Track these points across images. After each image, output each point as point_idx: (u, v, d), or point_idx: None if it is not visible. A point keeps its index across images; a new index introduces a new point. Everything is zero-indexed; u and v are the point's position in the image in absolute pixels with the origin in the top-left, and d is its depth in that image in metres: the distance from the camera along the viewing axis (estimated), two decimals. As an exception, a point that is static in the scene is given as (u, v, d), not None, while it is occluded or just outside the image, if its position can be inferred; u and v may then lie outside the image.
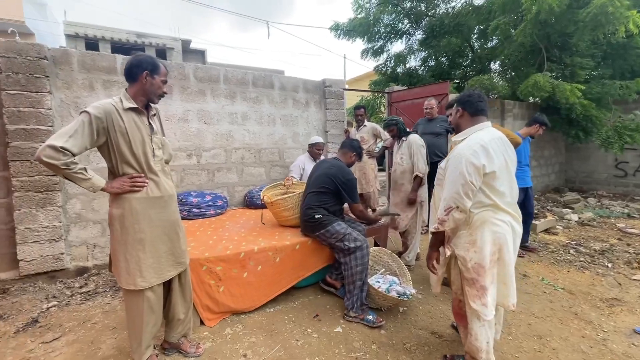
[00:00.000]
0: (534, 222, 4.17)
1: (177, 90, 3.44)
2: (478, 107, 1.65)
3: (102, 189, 1.59)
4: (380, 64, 8.93)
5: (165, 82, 1.73)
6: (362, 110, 4.25)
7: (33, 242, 2.81)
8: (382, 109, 8.70)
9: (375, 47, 8.74)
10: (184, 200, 3.28)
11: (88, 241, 3.09)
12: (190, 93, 3.53)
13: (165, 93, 1.77)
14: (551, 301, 2.61)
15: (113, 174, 1.67)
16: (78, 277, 3.00)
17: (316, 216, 2.44)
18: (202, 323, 2.21)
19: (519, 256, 3.57)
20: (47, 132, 2.78)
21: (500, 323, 1.77)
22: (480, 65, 8.16)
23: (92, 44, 12.71)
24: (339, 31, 8.42)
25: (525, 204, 3.63)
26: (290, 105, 4.22)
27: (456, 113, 1.73)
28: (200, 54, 15.96)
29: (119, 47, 12.89)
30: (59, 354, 1.96)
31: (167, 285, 1.82)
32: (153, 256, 1.68)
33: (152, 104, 1.75)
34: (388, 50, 8.85)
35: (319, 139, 3.66)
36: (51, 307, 2.52)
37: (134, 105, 1.63)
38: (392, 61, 8.84)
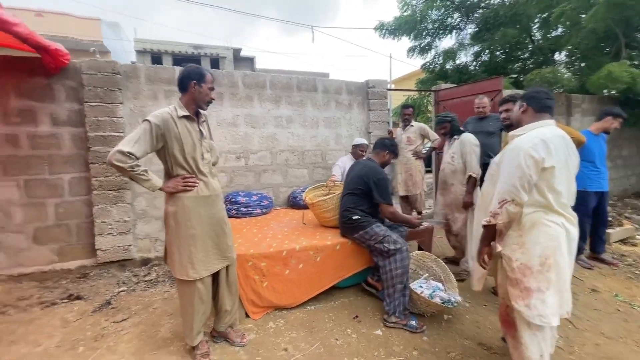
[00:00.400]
0: (608, 230, 3.69)
1: (227, 97, 3.68)
2: (544, 103, 1.57)
3: (160, 189, 1.79)
4: (428, 62, 8.60)
5: (212, 89, 1.87)
6: (410, 109, 4.08)
7: (108, 234, 3.21)
8: (430, 107, 8.37)
9: (423, 45, 8.43)
10: (233, 199, 3.49)
11: (151, 235, 3.44)
12: (239, 99, 3.75)
13: (213, 99, 1.92)
14: (626, 320, 2.30)
15: (168, 175, 1.86)
16: (142, 267, 3.36)
17: (354, 217, 2.44)
18: (247, 316, 2.35)
19: (586, 268, 3.19)
20: (120, 138, 3.16)
21: (555, 336, 1.62)
22: (541, 57, 7.45)
23: (156, 58, 14.10)
24: (384, 31, 8.28)
25: (599, 210, 3.24)
26: (333, 107, 4.27)
27: (519, 108, 1.66)
28: (250, 61, 16.83)
29: (179, 59, 14.13)
30: (127, 333, 2.22)
31: (216, 279, 1.97)
32: (202, 250, 1.83)
33: (201, 111, 1.91)
34: (436, 46, 8.49)
35: (362, 140, 3.66)
36: (121, 291, 2.86)
37: (186, 113, 1.80)
38: (440, 58, 8.45)
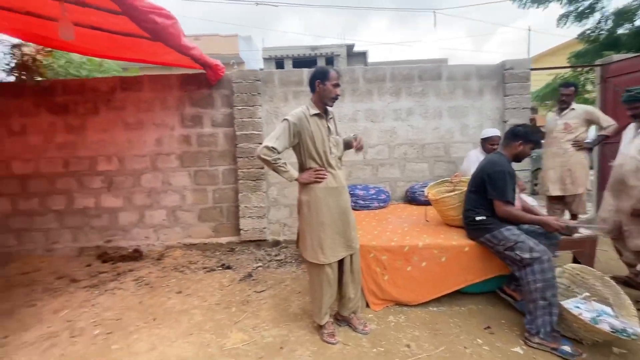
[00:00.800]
0: None
1: (348, 93, 3.81)
2: None
3: (295, 179, 2.01)
4: (589, 29, 6.83)
5: (336, 85, 1.96)
6: (572, 88, 3.26)
7: (248, 217, 3.80)
8: (591, 87, 6.68)
9: (581, 8, 6.73)
10: (351, 192, 3.62)
11: (280, 220, 3.91)
12: (359, 94, 3.83)
13: (338, 95, 2.00)
14: None
15: (301, 167, 2.06)
16: (273, 247, 3.85)
17: (477, 218, 2.17)
18: (367, 306, 2.41)
19: None
20: (259, 136, 3.68)
21: None
22: None
23: (279, 62, 15.76)
24: (524, -1, 7.00)
25: None
26: (459, 95, 3.89)
27: None
28: (362, 56, 16.97)
29: (298, 61, 15.42)
30: (265, 303, 2.60)
31: (341, 267, 2.08)
32: (330, 237, 1.96)
33: (329, 108, 2.04)
34: (602, 8, 6.67)
35: (492, 131, 3.16)
36: (259, 267, 3.36)
37: (316, 111, 1.96)
38: (608, 22, 6.60)
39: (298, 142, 1.99)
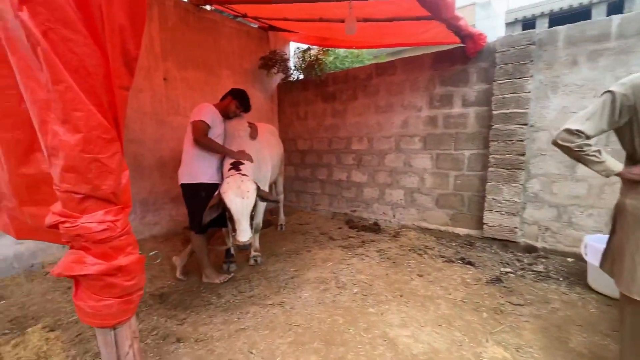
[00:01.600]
0: None
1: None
2: None
3: (617, 174, 1.41)
4: None
5: None
6: None
7: (495, 211, 3.27)
8: None
9: None
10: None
11: (540, 222, 3.11)
12: None
13: None
14: None
15: (632, 159, 1.42)
16: (526, 254, 3.14)
17: None
18: None
19: None
20: (522, 115, 2.99)
21: None
22: None
23: (528, 24, 12.76)
24: None
25: None
26: None
27: None
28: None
29: (556, 19, 11.90)
30: (527, 321, 2.10)
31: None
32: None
33: None
34: None
35: None
36: (508, 272, 2.82)
37: None
38: None
39: (628, 123, 1.35)
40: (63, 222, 0.74)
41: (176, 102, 3.95)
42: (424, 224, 3.87)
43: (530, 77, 2.96)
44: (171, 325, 2.16)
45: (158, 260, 2.63)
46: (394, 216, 4.15)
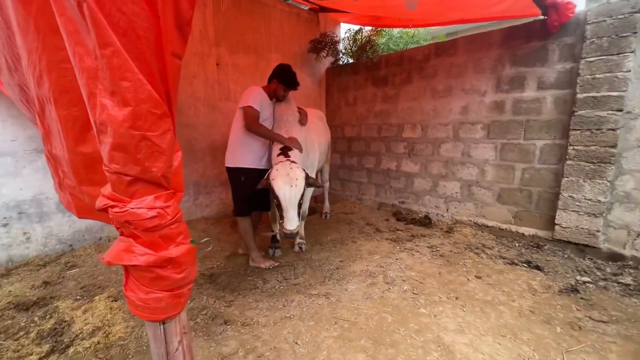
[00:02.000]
0: None
1: None
2: None
3: None
4: None
5: None
6: None
7: (572, 210, 2.84)
8: None
9: None
10: None
11: (631, 226, 2.64)
12: None
13: None
14: None
15: None
16: (609, 262, 2.70)
17: None
18: None
19: None
20: (617, 99, 2.51)
21: None
22: None
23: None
24: None
25: None
26: None
27: None
28: None
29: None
30: (613, 342, 1.79)
31: None
32: None
33: None
34: None
35: None
36: (586, 282, 2.44)
37: None
38: None
39: None
40: (112, 207, 0.70)
41: (227, 88, 4.00)
42: (482, 221, 3.52)
43: (632, 52, 2.45)
44: (219, 306, 2.20)
45: (209, 248, 2.68)
46: (447, 210, 3.85)
